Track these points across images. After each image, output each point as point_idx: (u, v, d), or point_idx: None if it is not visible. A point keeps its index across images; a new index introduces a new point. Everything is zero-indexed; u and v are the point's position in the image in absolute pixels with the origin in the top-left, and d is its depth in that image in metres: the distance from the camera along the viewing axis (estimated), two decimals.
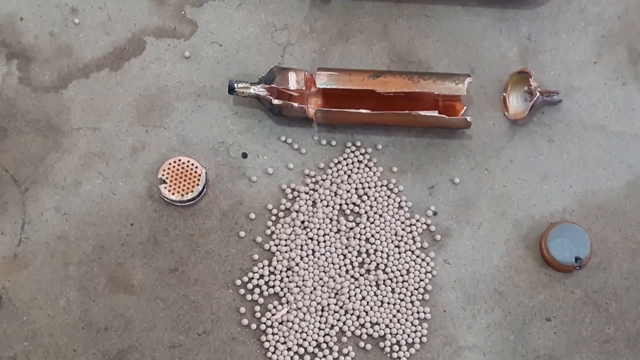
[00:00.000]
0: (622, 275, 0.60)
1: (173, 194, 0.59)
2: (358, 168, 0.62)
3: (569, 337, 0.59)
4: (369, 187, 0.61)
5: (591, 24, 0.64)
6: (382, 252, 0.60)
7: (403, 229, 0.61)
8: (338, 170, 0.62)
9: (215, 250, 0.60)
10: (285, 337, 0.58)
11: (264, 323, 0.59)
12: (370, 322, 0.59)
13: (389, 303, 0.59)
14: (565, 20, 0.64)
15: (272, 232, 0.60)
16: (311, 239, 0.60)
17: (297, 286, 0.59)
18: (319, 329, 0.59)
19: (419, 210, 0.61)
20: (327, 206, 0.61)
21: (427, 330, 0.59)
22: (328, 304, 0.59)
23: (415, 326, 0.59)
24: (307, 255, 0.60)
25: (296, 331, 0.58)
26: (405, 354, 0.58)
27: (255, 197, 0.61)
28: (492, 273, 0.60)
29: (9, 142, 0.61)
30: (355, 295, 0.59)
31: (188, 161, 0.60)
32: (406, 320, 0.59)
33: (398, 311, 0.59)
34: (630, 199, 0.61)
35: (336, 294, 0.59)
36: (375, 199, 0.61)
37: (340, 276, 0.59)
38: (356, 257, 0.60)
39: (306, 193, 0.61)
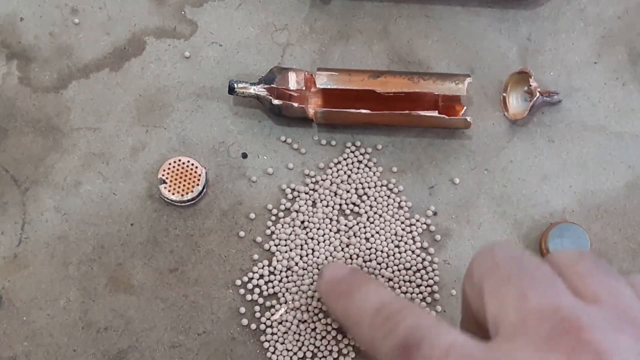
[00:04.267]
0: None
1: (173, 194, 0.59)
2: (358, 168, 0.62)
3: None
4: (369, 187, 0.61)
5: (591, 24, 0.64)
6: (382, 252, 0.60)
7: (403, 229, 0.61)
8: (338, 170, 0.62)
9: (215, 250, 0.60)
10: (284, 338, 0.58)
11: (264, 323, 0.59)
12: None
13: None
14: (565, 20, 0.64)
15: (272, 232, 0.60)
16: (311, 238, 0.60)
17: (295, 286, 0.59)
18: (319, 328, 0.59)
19: (419, 210, 0.61)
20: (327, 206, 0.61)
21: None
22: None
23: None
24: (307, 255, 0.60)
25: (294, 332, 0.58)
26: None
27: (255, 197, 0.61)
28: None
29: (9, 142, 0.61)
30: None
31: (188, 161, 0.60)
32: None
33: None
34: (630, 199, 0.61)
35: None
36: (375, 199, 0.61)
37: None
38: (356, 257, 0.60)
39: (306, 193, 0.61)
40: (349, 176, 0.62)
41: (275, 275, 0.60)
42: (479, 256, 0.39)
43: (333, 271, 0.45)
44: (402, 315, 0.37)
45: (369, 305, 0.39)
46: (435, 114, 0.59)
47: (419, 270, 0.60)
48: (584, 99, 0.63)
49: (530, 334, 0.33)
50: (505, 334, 0.34)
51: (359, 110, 0.59)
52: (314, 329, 0.59)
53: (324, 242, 0.60)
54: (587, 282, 0.35)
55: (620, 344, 0.32)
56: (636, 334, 0.32)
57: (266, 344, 0.58)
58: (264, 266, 0.60)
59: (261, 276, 0.60)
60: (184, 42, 0.63)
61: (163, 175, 0.60)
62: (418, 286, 0.59)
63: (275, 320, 0.59)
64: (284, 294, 0.59)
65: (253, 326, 0.59)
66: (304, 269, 0.59)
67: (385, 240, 0.60)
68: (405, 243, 0.60)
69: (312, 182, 0.61)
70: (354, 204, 0.61)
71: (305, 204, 0.61)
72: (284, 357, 0.58)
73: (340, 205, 0.61)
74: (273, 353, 0.58)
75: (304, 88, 0.60)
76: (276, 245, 0.60)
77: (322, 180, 0.61)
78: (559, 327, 0.32)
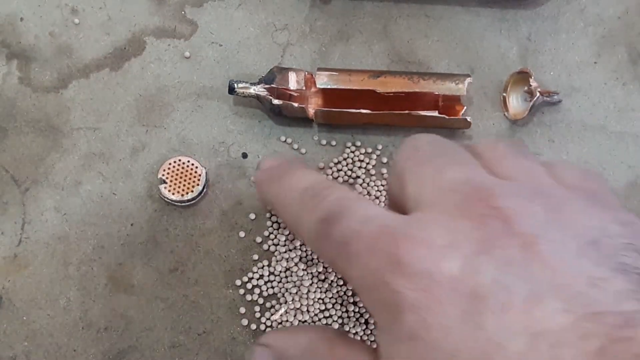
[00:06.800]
0: None
1: (173, 194, 0.59)
2: (358, 168, 0.62)
3: None
4: (369, 188, 0.61)
5: (591, 24, 0.64)
6: None
7: None
8: (338, 170, 0.62)
9: (215, 250, 0.60)
10: None
11: (264, 323, 0.59)
12: (370, 321, 0.59)
13: None
14: (565, 20, 0.64)
15: (272, 232, 0.60)
16: None
17: (295, 286, 0.59)
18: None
19: None
20: None
21: None
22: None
23: None
24: (306, 255, 0.60)
25: None
26: None
27: (255, 197, 0.61)
28: None
29: (9, 142, 0.61)
30: (354, 295, 0.59)
31: (188, 161, 0.60)
32: None
33: None
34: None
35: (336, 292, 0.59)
36: (377, 198, 0.61)
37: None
38: None
39: None
40: (349, 176, 0.61)
41: (275, 275, 0.60)
42: (403, 144, 0.40)
43: (269, 160, 0.45)
44: (329, 192, 0.38)
45: (300, 186, 0.40)
46: (435, 114, 0.59)
47: None
48: (584, 99, 0.63)
49: (443, 204, 0.34)
50: (420, 208, 0.35)
51: (359, 110, 0.59)
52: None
53: None
54: (502, 163, 0.36)
55: (529, 211, 0.32)
56: (544, 204, 0.33)
57: None
58: (263, 266, 0.60)
59: (261, 276, 0.60)
60: (184, 42, 0.63)
61: (163, 175, 0.60)
62: None
63: (275, 321, 0.59)
64: (283, 294, 0.59)
65: (253, 326, 0.59)
66: (303, 270, 0.59)
67: None
68: None
69: None
70: None
71: None
72: None
73: None
74: None
75: (304, 88, 0.60)
76: (275, 245, 0.60)
77: None
78: (470, 196, 0.33)
